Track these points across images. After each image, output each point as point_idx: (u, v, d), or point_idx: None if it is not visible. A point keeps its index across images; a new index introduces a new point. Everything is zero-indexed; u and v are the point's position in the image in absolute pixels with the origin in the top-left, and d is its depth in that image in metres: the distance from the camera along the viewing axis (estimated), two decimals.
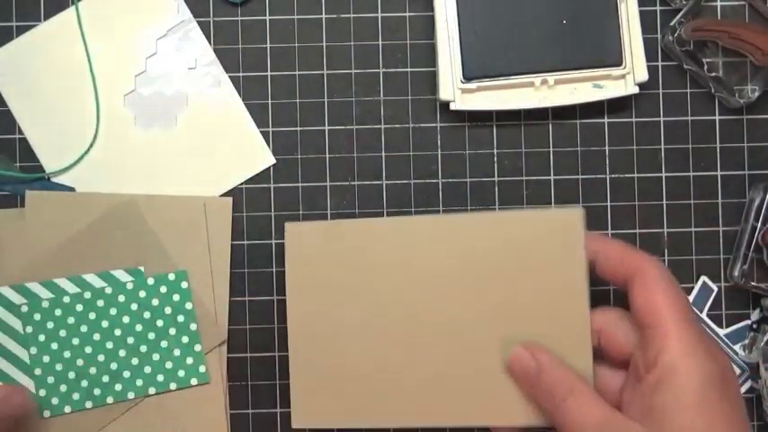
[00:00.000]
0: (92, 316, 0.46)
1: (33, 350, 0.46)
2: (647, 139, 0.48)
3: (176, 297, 0.46)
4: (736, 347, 0.48)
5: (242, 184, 0.48)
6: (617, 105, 0.48)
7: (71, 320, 0.46)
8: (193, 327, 0.46)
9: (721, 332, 0.48)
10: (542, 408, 0.39)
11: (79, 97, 0.48)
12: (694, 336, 0.36)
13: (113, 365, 0.46)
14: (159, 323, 0.46)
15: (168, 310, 0.46)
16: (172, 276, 0.46)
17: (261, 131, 0.48)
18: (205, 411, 0.46)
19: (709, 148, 0.49)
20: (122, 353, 0.46)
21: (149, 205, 0.47)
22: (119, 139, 0.48)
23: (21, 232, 0.46)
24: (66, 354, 0.46)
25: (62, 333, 0.46)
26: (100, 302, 0.46)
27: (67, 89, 0.48)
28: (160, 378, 0.46)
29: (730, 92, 0.47)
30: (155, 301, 0.46)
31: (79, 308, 0.46)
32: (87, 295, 0.46)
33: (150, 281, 0.46)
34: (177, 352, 0.46)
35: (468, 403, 0.41)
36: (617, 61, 0.46)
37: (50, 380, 0.46)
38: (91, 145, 0.47)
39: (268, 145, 0.48)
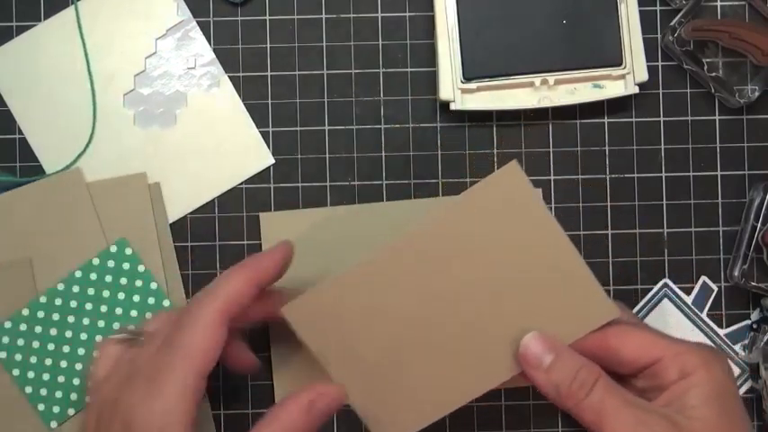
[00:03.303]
0: (55, 317, 0.45)
1: (16, 372, 0.45)
2: (647, 139, 0.48)
3: (126, 266, 0.46)
4: (737, 347, 0.48)
5: (242, 183, 0.48)
6: (617, 105, 0.48)
7: (38, 329, 0.45)
8: (154, 285, 0.46)
9: (721, 332, 0.48)
10: (552, 398, 0.38)
11: (79, 97, 0.47)
12: (702, 352, 0.38)
13: (96, 353, 0.45)
14: (121, 296, 0.46)
15: (124, 281, 0.46)
16: (114, 248, 0.46)
17: (261, 131, 0.48)
18: None
19: (709, 148, 0.49)
20: (99, 338, 0.45)
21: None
22: (118, 138, 0.48)
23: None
24: (48, 361, 0.45)
25: (35, 344, 0.45)
26: (58, 301, 0.45)
27: (67, 89, 0.48)
28: None
29: (730, 92, 0.47)
30: (108, 278, 0.46)
31: (41, 314, 0.45)
32: (43, 300, 0.45)
33: (96, 261, 0.46)
34: (149, 315, 0.46)
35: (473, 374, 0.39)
36: (617, 61, 0.46)
37: (43, 392, 0.45)
38: (90, 145, 0.47)
39: (268, 145, 0.48)
